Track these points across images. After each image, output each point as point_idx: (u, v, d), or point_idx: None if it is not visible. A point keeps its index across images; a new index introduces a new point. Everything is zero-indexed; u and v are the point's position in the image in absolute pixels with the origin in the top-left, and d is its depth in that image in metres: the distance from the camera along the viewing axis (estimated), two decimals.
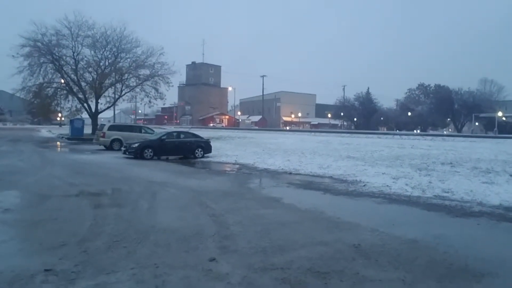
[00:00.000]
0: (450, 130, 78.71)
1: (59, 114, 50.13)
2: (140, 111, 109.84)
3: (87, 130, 35.16)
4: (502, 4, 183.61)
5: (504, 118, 65.25)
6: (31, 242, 5.40)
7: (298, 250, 5.06)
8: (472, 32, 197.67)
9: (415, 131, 69.75)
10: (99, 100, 36.79)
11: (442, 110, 70.94)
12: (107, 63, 36.92)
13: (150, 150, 17.67)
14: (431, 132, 69.53)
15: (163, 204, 8.10)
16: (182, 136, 19.60)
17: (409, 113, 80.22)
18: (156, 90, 37.28)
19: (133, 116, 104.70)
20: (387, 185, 10.55)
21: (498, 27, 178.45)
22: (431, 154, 19.29)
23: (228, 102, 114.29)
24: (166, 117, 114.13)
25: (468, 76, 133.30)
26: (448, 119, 76.63)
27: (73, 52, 35.39)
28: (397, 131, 65.85)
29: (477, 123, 69.66)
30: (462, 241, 5.77)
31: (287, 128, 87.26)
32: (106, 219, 6.56)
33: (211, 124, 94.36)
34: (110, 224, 6.18)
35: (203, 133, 29.39)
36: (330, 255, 4.87)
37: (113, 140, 22.97)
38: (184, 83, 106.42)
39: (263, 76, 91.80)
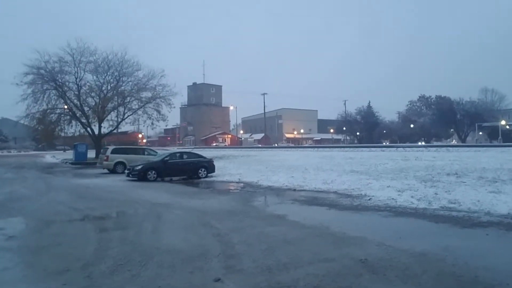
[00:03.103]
0: (454, 140, 78.46)
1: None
2: (143, 133, 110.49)
3: (91, 154, 35.33)
4: (500, 14, 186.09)
5: (507, 127, 64.98)
6: (35, 268, 5.36)
7: (304, 267, 4.98)
8: (471, 42, 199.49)
9: (419, 143, 69.53)
10: (102, 124, 37.15)
11: (444, 121, 70.90)
12: (109, 87, 37.48)
13: (153, 172, 17.70)
14: (434, 143, 69.27)
15: (168, 226, 8.05)
16: (185, 156, 19.62)
17: (412, 125, 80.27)
18: (158, 112, 37.71)
19: None
20: (393, 198, 10.46)
21: (496, 36, 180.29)
22: (436, 165, 19.16)
23: (230, 121, 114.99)
24: (168, 138, 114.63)
25: (468, 86, 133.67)
26: (452, 130, 76.50)
27: (76, 78, 36.03)
28: (400, 143, 65.63)
29: (480, 133, 69.50)
30: (471, 252, 5.67)
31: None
32: (110, 242, 6.52)
33: (214, 144, 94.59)
34: (114, 248, 6.14)
35: (206, 153, 29.44)
36: (337, 271, 4.79)
37: (117, 163, 23.05)
38: (186, 104, 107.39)
39: (264, 94, 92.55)
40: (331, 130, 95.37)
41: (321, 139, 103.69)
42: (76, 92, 36.20)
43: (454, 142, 72.09)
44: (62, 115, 36.90)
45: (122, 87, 37.89)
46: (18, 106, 34.00)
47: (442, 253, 5.47)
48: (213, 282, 4.49)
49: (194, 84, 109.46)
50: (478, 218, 7.82)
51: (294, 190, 13.31)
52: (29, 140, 78.32)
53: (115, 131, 40.12)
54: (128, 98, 37.50)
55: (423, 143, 66.65)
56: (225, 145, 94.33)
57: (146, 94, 37.75)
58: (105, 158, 23.60)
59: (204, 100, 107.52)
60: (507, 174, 14.58)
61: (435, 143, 66.24)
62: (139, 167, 17.90)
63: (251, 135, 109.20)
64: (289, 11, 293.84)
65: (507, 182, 12.50)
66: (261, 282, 4.48)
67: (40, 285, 4.58)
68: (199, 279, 4.63)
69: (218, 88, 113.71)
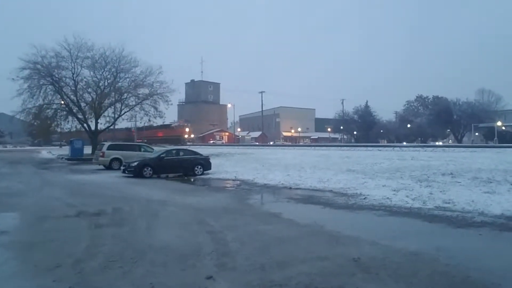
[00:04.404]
0: (450, 141, 78.69)
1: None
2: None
3: (87, 150, 35.16)
4: (498, 15, 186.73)
5: (503, 128, 65.28)
6: (26, 264, 5.32)
7: (297, 266, 4.97)
8: (468, 43, 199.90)
9: (415, 142, 69.74)
10: (98, 120, 36.95)
11: (441, 121, 71.14)
12: (106, 83, 37.24)
13: (149, 169, 17.64)
14: (431, 143, 69.44)
15: (162, 223, 8.02)
16: (181, 153, 19.56)
17: (409, 125, 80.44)
18: (156, 108, 37.50)
19: None
20: (388, 198, 10.47)
21: (494, 38, 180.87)
22: (432, 165, 19.21)
23: (227, 118, 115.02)
24: None
25: (466, 87, 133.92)
26: (448, 130, 76.74)
27: (73, 74, 35.75)
28: (397, 143, 65.77)
29: (477, 133, 69.74)
30: (464, 252, 5.68)
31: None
32: (103, 239, 6.48)
33: (211, 141, 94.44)
34: (107, 244, 6.10)
35: (203, 150, 29.39)
36: (330, 270, 4.78)
37: (113, 160, 22.96)
38: (184, 101, 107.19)
39: (261, 92, 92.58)
40: (328, 129, 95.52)
41: (318, 137, 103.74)
42: (73, 88, 35.95)
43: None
44: (59, 111, 36.62)
45: (119, 83, 37.70)
46: (14, 101, 33.72)
47: (435, 253, 5.48)
48: (205, 280, 4.46)
49: (192, 81, 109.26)
50: (472, 218, 7.84)
51: (290, 188, 13.30)
52: (25, 135, 77.68)
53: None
54: (125, 94, 37.32)
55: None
56: (222, 142, 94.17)
57: (143, 91, 37.57)
58: (101, 154, 23.50)
59: (202, 97, 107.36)
60: (502, 174, 14.64)
61: (431, 143, 66.46)
62: (135, 163, 17.83)
63: (248, 133, 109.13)
64: (289, 10, 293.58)
65: (502, 182, 12.55)
66: (254, 280, 4.46)
67: (30, 282, 4.54)
68: (191, 277, 4.60)
69: (216, 85, 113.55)
